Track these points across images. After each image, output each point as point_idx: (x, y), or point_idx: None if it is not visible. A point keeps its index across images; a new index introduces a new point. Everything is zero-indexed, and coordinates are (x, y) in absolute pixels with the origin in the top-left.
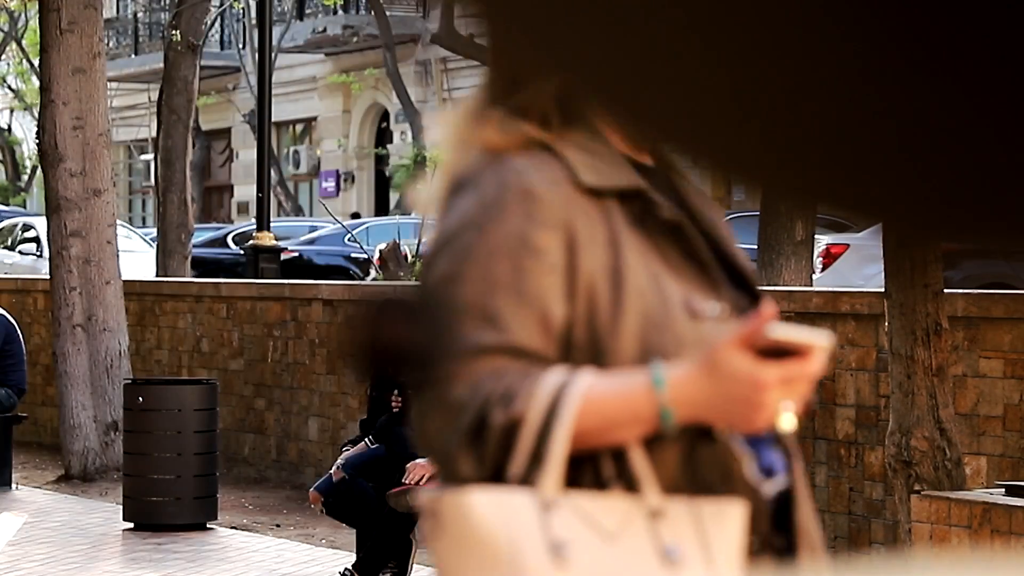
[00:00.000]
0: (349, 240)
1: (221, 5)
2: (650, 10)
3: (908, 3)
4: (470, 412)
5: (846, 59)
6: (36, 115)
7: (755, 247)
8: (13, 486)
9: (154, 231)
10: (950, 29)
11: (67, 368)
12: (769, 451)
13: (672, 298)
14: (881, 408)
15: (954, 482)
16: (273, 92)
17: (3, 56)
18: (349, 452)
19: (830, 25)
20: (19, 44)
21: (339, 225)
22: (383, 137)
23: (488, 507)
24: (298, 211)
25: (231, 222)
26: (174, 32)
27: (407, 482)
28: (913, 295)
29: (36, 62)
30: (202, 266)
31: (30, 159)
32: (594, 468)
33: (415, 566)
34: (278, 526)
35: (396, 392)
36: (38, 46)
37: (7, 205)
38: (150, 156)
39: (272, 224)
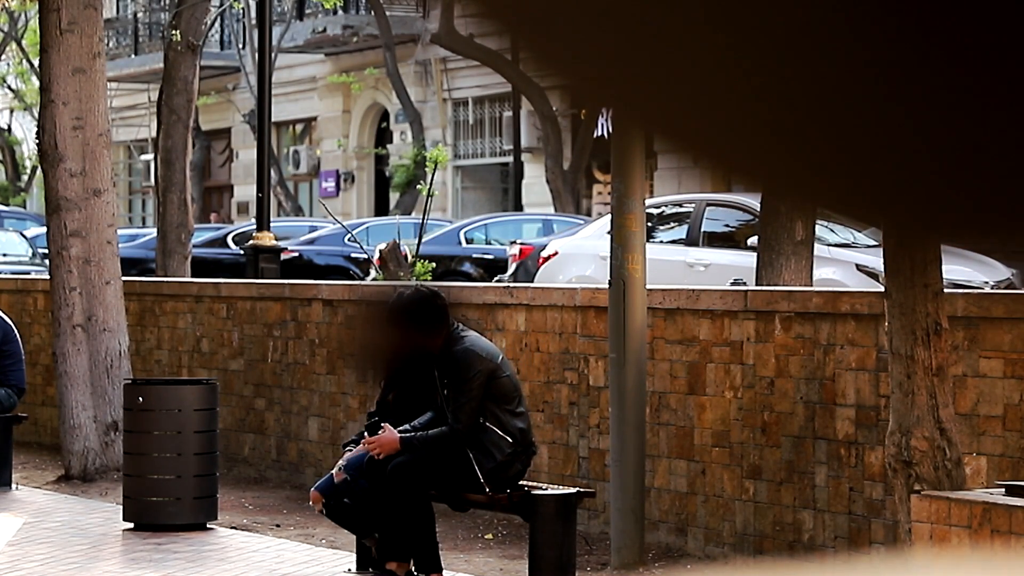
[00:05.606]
0: (349, 240)
1: (221, 5)
2: (654, 9)
3: (912, 4)
4: None
5: (849, 60)
6: (36, 115)
7: (755, 247)
8: (13, 486)
9: (153, 231)
10: (952, 31)
11: (67, 368)
12: None
13: None
14: (881, 408)
15: (954, 482)
16: (273, 92)
17: (3, 56)
18: (351, 453)
19: (834, 26)
20: (19, 44)
21: (339, 225)
22: (383, 137)
23: None
24: (298, 211)
25: (231, 222)
26: (174, 32)
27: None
28: (913, 295)
29: (36, 62)
30: (202, 266)
31: (30, 159)
32: None
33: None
34: (278, 526)
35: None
36: (38, 46)
37: (7, 205)
38: (150, 156)
39: (272, 224)
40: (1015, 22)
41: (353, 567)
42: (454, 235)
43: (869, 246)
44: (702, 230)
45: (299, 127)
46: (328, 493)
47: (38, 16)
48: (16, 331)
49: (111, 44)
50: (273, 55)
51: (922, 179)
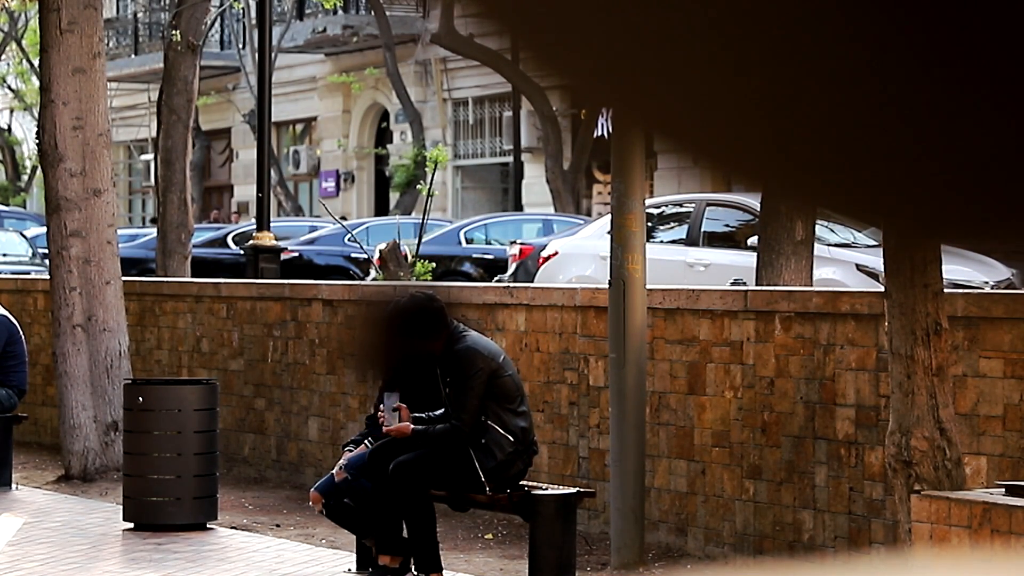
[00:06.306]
0: (349, 240)
1: (221, 5)
2: (654, 9)
3: (912, 6)
4: None
5: (848, 60)
6: (36, 115)
7: (755, 247)
8: (13, 486)
9: (153, 231)
10: (951, 32)
11: (67, 368)
12: None
13: None
14: (881, 408)
15: (954, 482)
16: (273, 92)
17: (3, 56)
18: (351, 453)
19: (834, 27)
20: (19, 44)
21: (339, 225)
22: (383, 137)
23: None
24: (298, 211)
25: (230, 222)
26: (174, 32)
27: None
28: (913, 295)
29: (36, 62)
30: (202, 266)
31: (30, 159)
32: None
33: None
34: (278, 526)
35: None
36: (38, 46)
37: (7, 205)
38: (150, 156)
39: (272, 224)
40: (1014, 23)
41: (353, 567)
42: (454, 235)
43: (869, 246)
44: (702, 230)
45: (299, 127)
46: (328, 493)
47: (38, 16)
48: (21, 332)
49: (111, 44)
50: (273, 55)
51: (922, 179)
